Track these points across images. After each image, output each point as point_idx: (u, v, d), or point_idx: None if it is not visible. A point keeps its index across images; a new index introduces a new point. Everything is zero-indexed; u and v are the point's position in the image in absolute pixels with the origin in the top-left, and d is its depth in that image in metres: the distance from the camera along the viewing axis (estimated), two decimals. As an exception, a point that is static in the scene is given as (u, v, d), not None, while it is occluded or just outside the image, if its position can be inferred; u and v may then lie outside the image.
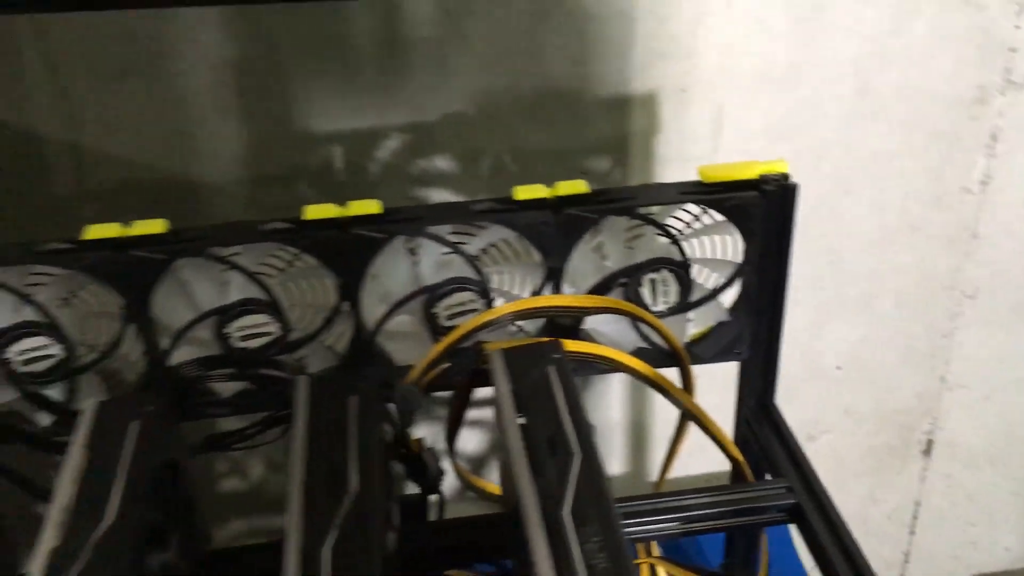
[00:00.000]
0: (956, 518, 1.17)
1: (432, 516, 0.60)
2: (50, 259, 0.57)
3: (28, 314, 0.58)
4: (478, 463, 0.97)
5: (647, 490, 0.89)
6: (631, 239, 0.63)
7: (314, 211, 0.59)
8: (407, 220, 0.60)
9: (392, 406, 0.55)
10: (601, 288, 0.63)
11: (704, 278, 0.65)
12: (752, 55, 0.81)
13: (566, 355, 0.54)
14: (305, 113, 0.76)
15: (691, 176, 0.62)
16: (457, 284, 0.61)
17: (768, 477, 0.66)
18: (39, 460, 0.60)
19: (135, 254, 0.57)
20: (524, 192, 0.61)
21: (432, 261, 0.62)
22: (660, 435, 1.00)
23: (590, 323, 0.65)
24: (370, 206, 0.60)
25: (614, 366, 0.63)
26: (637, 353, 0.65)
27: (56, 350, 0.59)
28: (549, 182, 0.61)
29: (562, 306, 0.61)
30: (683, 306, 0.64)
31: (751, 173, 0.62)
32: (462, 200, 0.72)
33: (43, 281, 0.59)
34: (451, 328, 0.61)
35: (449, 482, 0.62)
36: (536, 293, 0.63)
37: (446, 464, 0.60)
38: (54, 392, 0.61)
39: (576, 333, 0.65)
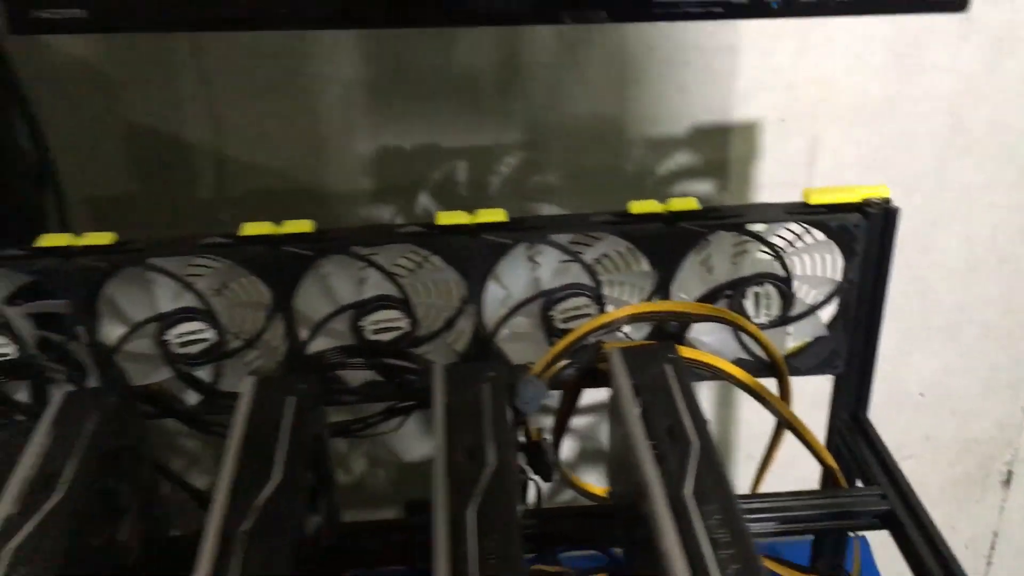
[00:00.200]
0: (1034, 551, 1.17)
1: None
2: (212, 251, 0.63)
3: (188, 300, 0.65)
4: (570, 467, 1.01)
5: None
6: (736, 255, 0.68)
7: (445, 217, 0.65)
8: (532, 228, 0.65)
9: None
10: (707, 299, 0.68)
11: (804, 294, 0.69)
12: (849, 89, 0.85)
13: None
14: (427, 130, 0.82)
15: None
16: (574, 289, 0.66)
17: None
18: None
19: (286, 250, 0.64)
20: (639, 207, 0.65)
21: (551, 268, 0.67)
22: (744, 450, 1.03)
23: (692, 333, 0.69)
24: (497, 214, 0.65)
25: (716, 374, 0.66)
26: (736, 363, 0.69)
27: (210, 335, 0.65)
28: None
29: (676, 311, 0.65)
30: (784, 320, 0.68)
31: (855, 196, 0.66)
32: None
33: (200, 272, 0.65)
34: (566, 330, 0.66)
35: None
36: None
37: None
38: (203, 374, 0.67)
39: (680, 341, 0.69)
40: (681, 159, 0.86)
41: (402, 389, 0.68)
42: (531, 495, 0.64)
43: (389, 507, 1.02)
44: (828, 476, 0.69)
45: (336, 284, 0.66)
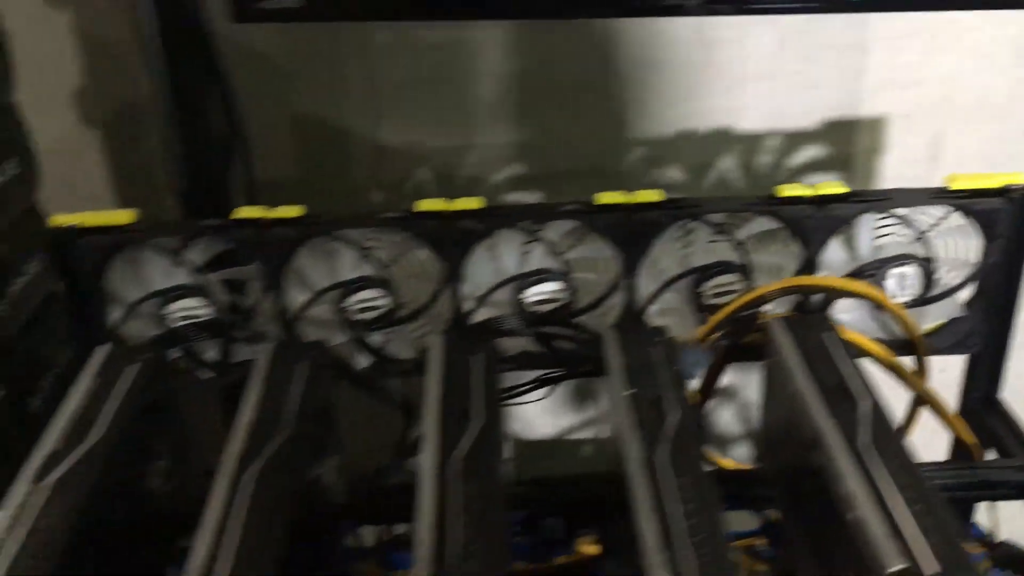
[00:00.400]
0: None
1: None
2: (391, 224, 0.69)
3: (366, 270, 0.70)
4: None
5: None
6: (879, 236, 0.71)
7: (604, 197, 0.70)
8: (688, 207, 0.69)
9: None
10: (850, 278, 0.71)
11: (942, 275, 0.72)
12: (975, 86, 0.88)
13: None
14: (569, 123, 0.87)
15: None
16: (723, 267, 0.70)
17: (995, 460, 0.72)
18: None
19: (459, 224, 0.69)
20: (787, 190, 0.69)
21: (701, 246, 0.71)
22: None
23: (832, 311, 0.73)
24: (653, 195, 0.70)
25: (858, 350, 0.70)
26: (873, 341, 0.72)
27: (385, 302, 0.71)
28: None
29: (829, 286, 0.69)
30: (923, 300, 0.71)
31: (995, 182, 0.69)
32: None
33: (374, 245, 0.71)
34: (714, 306, 0.70)
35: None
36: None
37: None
38: (374, 339, 0.72)
39: (822, 319, 0.72)
40: (810, 152, 0.89)
41: (560, 357, 0.72)
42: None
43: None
44: (959, 450, 0.72)
45: (503, 256, 0.70)
